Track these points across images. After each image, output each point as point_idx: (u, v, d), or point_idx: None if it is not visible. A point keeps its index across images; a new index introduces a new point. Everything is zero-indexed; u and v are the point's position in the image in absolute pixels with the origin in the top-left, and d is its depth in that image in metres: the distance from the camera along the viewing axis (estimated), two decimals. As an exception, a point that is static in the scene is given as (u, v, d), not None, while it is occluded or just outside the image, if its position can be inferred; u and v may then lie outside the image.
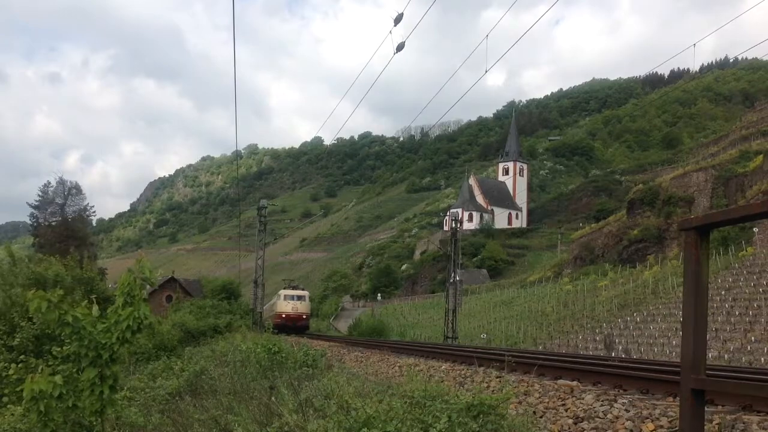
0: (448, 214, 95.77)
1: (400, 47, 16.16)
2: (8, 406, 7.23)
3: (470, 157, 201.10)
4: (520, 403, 7.21)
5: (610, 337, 36.45)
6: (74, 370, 4.23)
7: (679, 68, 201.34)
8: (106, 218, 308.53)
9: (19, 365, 5.54)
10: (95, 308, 4.40)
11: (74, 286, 20.49)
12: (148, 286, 4.91)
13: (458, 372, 10.54)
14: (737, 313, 32.35)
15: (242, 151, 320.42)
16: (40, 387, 3.95)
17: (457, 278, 39.99)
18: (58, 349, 4.44)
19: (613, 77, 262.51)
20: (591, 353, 30.82)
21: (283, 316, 46.47)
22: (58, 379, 4.02)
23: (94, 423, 4.18)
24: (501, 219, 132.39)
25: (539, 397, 7.34)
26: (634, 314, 39.54)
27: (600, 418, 6.02)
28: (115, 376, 4.35)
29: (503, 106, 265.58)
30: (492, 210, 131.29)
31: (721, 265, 40.86)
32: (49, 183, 78.19)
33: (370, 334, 47.66)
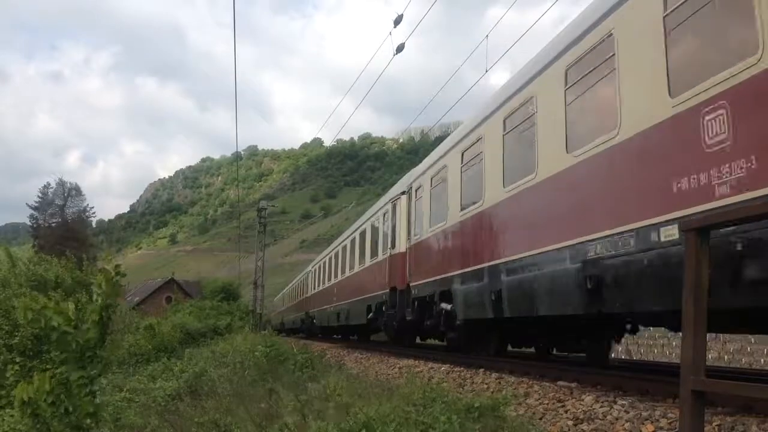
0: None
1: (400, 48, 16.16)
2: (6, 409, 7.22)
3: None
4: (519, 404, 7.21)
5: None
6: (67, 373, 4.22)
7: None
8: (106, 219, 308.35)
9: (15, 368, 5.52)
10: (71, 307, 4.38)
11: (74, 287, 20.44)
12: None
13: (458, 373, 10.53)
14: (737, 314, 32.26)
15: (242, 153, 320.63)
16: (29, 394, 3.93)
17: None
18: (57, 353, 4.42)
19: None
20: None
21: None
22: (46, 386, 4.00)
23: (91, 425, 4.18)
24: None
25: (539, 399, 7.33)
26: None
27: (600, 419, 6.01)
28: (95, 374, 4.33)
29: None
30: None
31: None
32: (49, 184, 78.45)
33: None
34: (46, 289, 17.91)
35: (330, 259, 28.88)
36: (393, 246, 16.79)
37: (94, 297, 4.48)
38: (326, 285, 29.06)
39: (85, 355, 4.27)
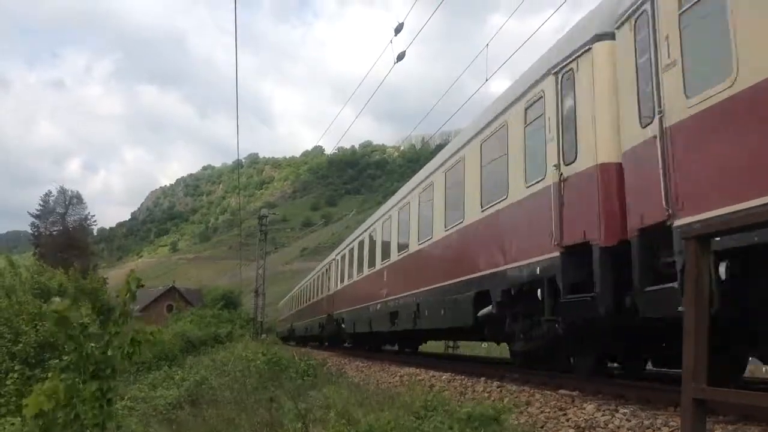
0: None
1: (401, 57, 16.20)
2: (6, 417, 7.20)
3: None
4: (521, 413, 7.20)
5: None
6: (75, 379, 4.22)
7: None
8: (107, 227, 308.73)
9: (14, 376, 5.51)
10: (83, 312, 4.37)
11: (77, 296, 20.48)
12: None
13: (459, 382, 10.51)
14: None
15: (243, 161, 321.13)
16: (42, 407, 3.91)
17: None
18: (56, 361, 4.43)
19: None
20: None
21: None
22: (60, 391, 3.99)
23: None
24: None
25: (540, 407, 7.32)
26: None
27: (601, 428, 6.01)
28: (115, 390, 4.34)
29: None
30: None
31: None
32: (50, 192, 78.52)
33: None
34: (49, 297, 17.93)
35: (375, 232, 19.98)
36: (570, 158, 8.54)
37: (119, 311, 4.48)
38: (366, 273, 20.37)
39: (101, 367, 4.28)
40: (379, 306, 18.10)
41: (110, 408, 4.19)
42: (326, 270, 29.34)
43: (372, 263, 19.72)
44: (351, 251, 23.59)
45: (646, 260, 7.16)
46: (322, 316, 28.91)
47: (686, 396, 3.99)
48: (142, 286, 4.81)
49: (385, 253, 18.21)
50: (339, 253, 26.64)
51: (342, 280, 24.88)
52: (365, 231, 21.55)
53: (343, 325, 23.91)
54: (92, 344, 4.30)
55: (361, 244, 21.97)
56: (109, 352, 4.31)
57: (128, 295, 4.65)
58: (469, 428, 5.49)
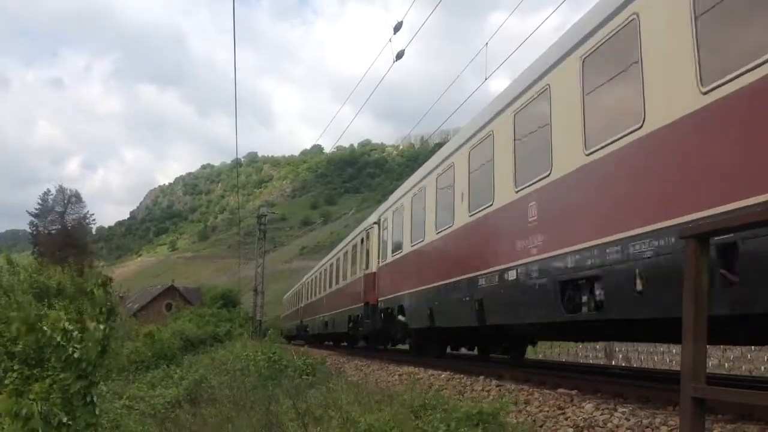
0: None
1: (400, 55, 16.20)
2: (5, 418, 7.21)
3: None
4: (520, 411, 7.20)
5: (611, 345, 36.38)
6: (68, 381, 4.22)
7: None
8: (106, 226, 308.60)
9: (13, 375, 5.50)
10: (62, 317, 4.35)
11: (76, 295, 20.44)
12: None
13: (458, 381, 10.51)
14: (738, 320, 32.12)
15: (242, 160, 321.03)
16: (12, 409, 3.88)
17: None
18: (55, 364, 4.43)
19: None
20: (591, 362, 30.80)
21: None
22: (55, 392, 3.98)
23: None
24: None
25: (539, 406, 7.32)
26: (635, 322, 39.24)
27: (600, 426, 6.01)
28: (92, 386, 4.32)
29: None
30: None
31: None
32: (49, 191, 78.48)
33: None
34: (48, 296, 17.91)
35: (494, 134, 10.34)
36: None
37: (92, 326, 4.45)
38: (465, 220, 11.43)
39: (86, 368, 4.26)
40: (515, 273, 9.19)
41: (89, 407, 4.17)
42: (361, 241, 21.06)
43: (479, 199, 10.74)
44: (420, 193, 14.51)
45: None
46: (354, 306, 21.12)
47: (685, 395, 3.99)
48: (110, 280, 4.82)
49: (527, 171, 9.01)
50: (393, 204, 17.51)
51: (399, 248, 16.21)
52: (463, 145, 11.96)
53: (400, 317, 15.81)
54: (75, 346, 4.29)
55: (444, 174, 12.79)
56: (93, 354, 4.29)
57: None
58: (468, 427, 5.49)
